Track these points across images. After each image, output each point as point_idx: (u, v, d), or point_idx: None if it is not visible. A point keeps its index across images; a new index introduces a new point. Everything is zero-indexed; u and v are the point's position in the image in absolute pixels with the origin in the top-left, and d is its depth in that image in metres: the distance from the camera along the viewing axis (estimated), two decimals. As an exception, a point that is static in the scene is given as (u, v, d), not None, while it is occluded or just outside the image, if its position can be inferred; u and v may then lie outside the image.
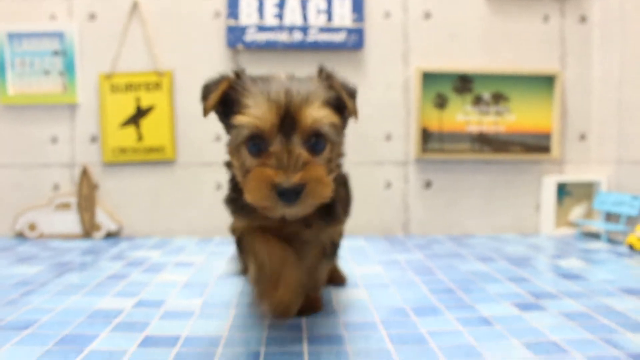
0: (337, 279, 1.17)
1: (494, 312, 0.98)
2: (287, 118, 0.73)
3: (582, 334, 0.87)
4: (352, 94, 0.83)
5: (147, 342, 0.84)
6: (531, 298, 1.07)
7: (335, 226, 0.90)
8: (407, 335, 0.87)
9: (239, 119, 0.74)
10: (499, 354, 0.79)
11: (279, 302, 0.78)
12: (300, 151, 0.72)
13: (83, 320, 0.94)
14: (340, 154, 0.84)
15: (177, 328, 0.90)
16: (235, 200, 0.86)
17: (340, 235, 0.96)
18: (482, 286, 1.16)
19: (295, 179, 0.69)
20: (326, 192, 0.74)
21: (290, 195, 0.69)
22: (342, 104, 0.81)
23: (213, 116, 1.71)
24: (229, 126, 0.79)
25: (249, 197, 0.73)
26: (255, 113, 0.73)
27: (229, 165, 0.87)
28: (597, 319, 0.94)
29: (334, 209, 0.87)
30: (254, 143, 0.75)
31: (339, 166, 0.85)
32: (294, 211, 0.73)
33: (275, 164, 0.71)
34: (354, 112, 0.83)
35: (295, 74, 0.81)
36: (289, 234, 0.87)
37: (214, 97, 0.79)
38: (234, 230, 0.93)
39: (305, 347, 0.81)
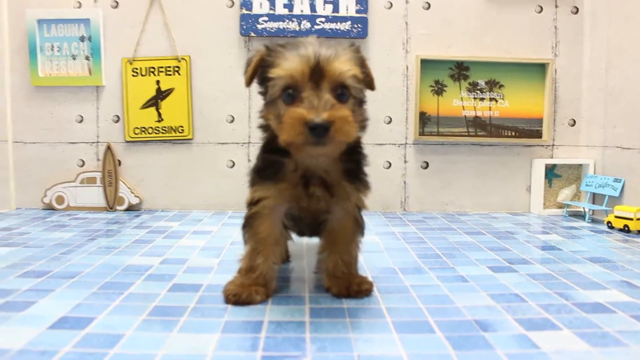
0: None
1: (471, 272, 1.14)
2: (317, 70, 0.84)
3: (541, 289, 1.02)
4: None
5: (175, 288, 1.00)
6: (505, 263, 1.22)
7: (362, 191, 0.97)
8: (392, 287, 1.03)
9: (275, 72, 0.86)
10: (467, 301, 0.94)
11: (229, 293, 0.93)
12: (328, 97, 0.84)
13: (119, 273, 1.10)
14: (363, 116, 0.94)
15: (199, 279, 1.06)
16: (264, 169, 0.95)
17: (364, 205, 1.00)
18: (465, 253, 1.31)
19: (324, 115, 0.80)
20: (352, 131, 0.84)
21: (320, 130, 0.80)
22: (363, 70, 0.92)
23: (227, 101, 1.86)
24: (266, 91, 0.90)
25: (284, 136, 0.83)
26: (288, 66, 0.85)
27: (263, 128, 0.96)
28: (558, 279, 1.09)
29: (359, 173, 0.97)
30: (288, 94, 0.86)
31: (363, 127, 0.95)
32: (322, 150, 0.84)
33: (307, 105, 0.82)
34: (373, 81, 0.96)
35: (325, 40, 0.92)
36: (315, 207, 0.95)
37: (250, 70, 0.93)
38: (250, 203, 0.97)
39: (307, 294, 0.97)
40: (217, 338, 0.77)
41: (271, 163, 0.93)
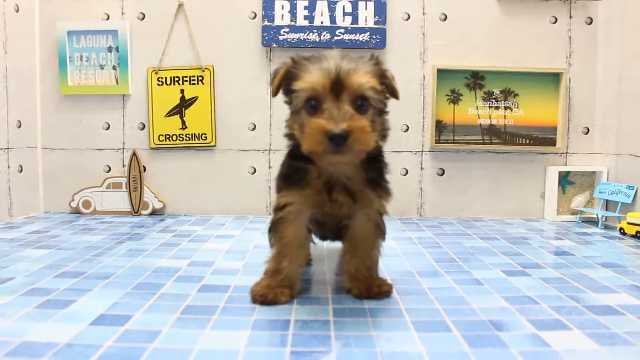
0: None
1: (485, 275, 1.18)
2: (337, 82, 0.89)
3: (553, 292, 1.07)
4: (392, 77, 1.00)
5: (204, 289, 1.06)
6: (519, 267, 1.26)
7: (384, 197, 1.01)
8: (411, 289, 1.08)
9: (298, 84, 0.91)
10: (482, 303, 0.99)
11: (256, 294, 0.99)
12: (347, 108, 0.88)
13: (150, 274, 1.16)
14: (384, 126, 0.99)
15: (226, 280, 1.12)
16: (289, 176, 1.00)
17: (386, 211, 1.03)
18: (480, 258, 1.36)
19: (343, 125, 0.85)
20: (370, 140, 0.89)
21: (338, 139, 0.85)
22: (383, 81, 0.97)
23: (249, 109, 1.91)
24: (291, 101, 0.96)
25: (306, 145, 0.88)
26: (311, 79, 0.90)
27: (288, 136, 1.01)
28: (569, 283, 1.13)
29: (381, 181, 1.01)
30: (310, 105, 0.91)
31: (384, 136, 1.00)
32: (342, 158, 0.88)
33: (327, 116, 0.87)
34: (397, 92, 1.00)
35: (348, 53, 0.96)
36: (338, 213, 0.99)
37: (277, 81, 0.98)
38: (276, 209, 1.02)
39: (329, 295, 1.02)
40: (248, 335, 0.82)
41: (296, 170, 0.98)
